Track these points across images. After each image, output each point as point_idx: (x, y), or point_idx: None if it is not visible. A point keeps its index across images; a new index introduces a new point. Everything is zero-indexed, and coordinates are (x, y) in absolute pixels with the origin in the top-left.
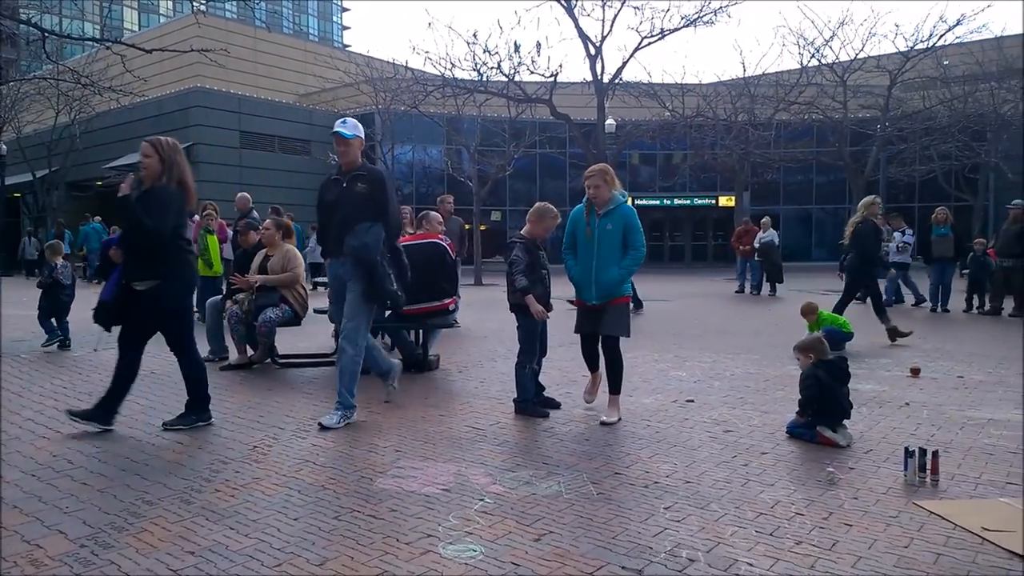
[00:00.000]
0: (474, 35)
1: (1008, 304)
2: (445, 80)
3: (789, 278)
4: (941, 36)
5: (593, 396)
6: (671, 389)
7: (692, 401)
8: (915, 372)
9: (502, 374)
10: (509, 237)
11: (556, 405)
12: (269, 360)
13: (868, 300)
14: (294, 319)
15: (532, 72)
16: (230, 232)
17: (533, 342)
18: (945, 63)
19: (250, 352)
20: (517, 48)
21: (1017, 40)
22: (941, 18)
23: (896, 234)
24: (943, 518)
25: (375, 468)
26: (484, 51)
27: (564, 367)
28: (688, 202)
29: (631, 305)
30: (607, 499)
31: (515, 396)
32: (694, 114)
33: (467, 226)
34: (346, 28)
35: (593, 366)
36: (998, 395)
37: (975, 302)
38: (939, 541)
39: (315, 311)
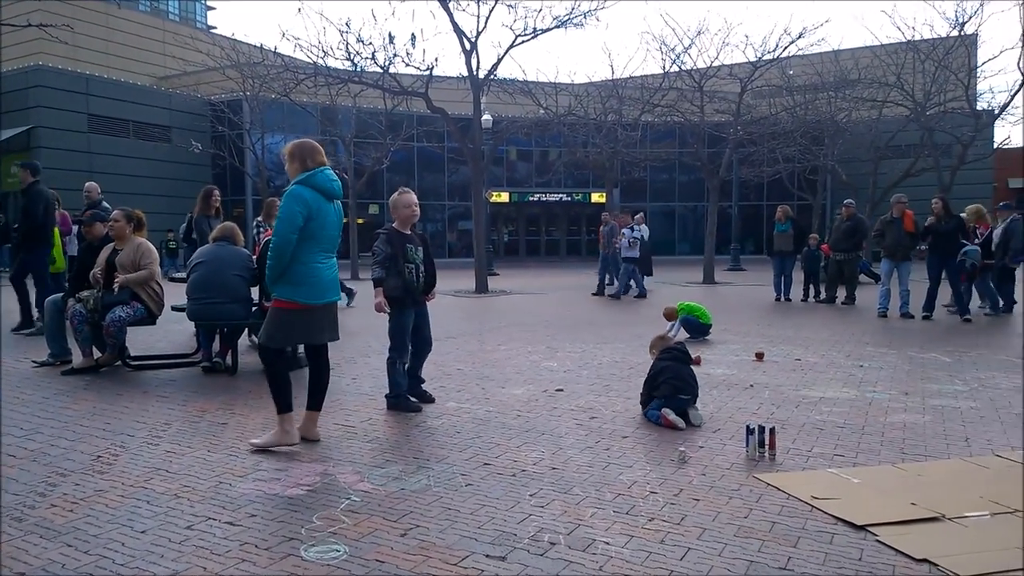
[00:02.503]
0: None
1: (841, 293)
2: (317, 68)
3: (656, 271)
4: (785, 48)
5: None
6: (542, 379)
7: (561, 390)
8: (759, 356)
9: (375, 370)
10: (379, 228)
11: (430, 399)
12: (119, 362)
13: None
14: (148, 318)
15: (407, 64)
16: (74, 224)
17: (403, 337)
18: (789, 73)
19: (97, 354)
20: (392, 39)
21: (848, 54)
22: (785, 31)
23: (625, 230)
24: (779, 489)
25: (234, 472)
26: (358, 40)
27: (439, 361)
28: (563, 198)
29: (346, 299)
30: (475, 490)
31: (387, 392)
32: (567, 112)
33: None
34: (211, 8)
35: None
36: (829, 375)
37: (811, 292)
38: (774, 511)
39: (173, 308)
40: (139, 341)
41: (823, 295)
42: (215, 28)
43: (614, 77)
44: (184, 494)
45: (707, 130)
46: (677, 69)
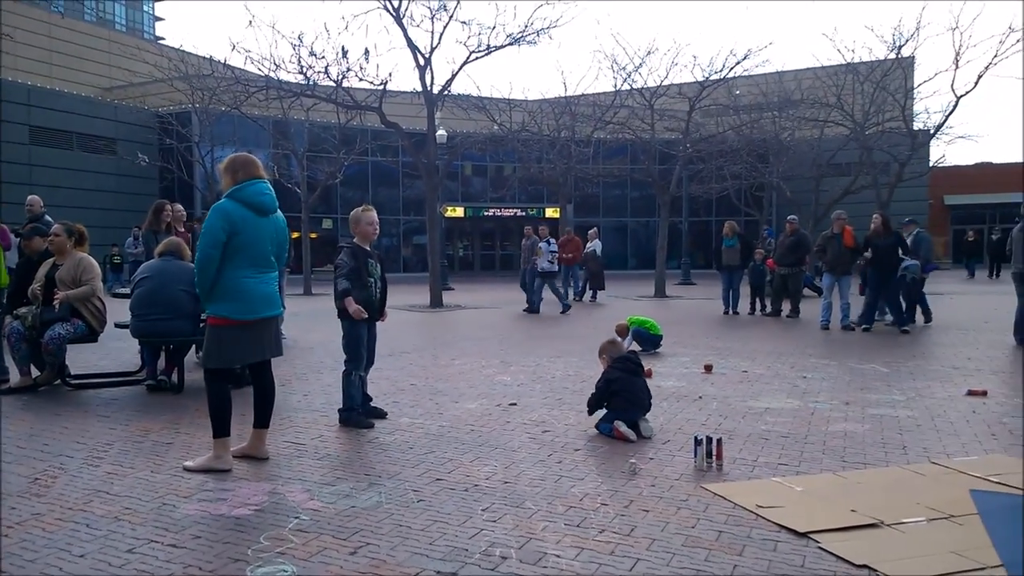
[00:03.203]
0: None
1: (786, 306)
2: (268, 81)
3: (609, 285)
4: (731, 68)
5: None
6: (496, 393)
7: (515, 404)
8: (708, 368)
9: (327, 387)
10: (340, 242)
11: (382, 415)
12: (59, 381)
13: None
14: (89, 335)
15: (361, 79)
16: (14, 238)
17: (358, 349)
18: (736, 92)
19: (35, 373)
20: (345, 53)
21: (792, 75)
22: (731, 52)
23: (542, 244)
24: (725, 499)
25: (178, 493)
26: (310, 54)
27: (392, 376)
28: (517, 213)
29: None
30: (427, 506)
31: (340, 407)
32: (521, 128)
33: (295, 234)
34: (159, 19)
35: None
36: (775, 386)
37: (758, 305)
38: (721, 520)
39: (116, 325)
40: (80, 359)
41: (769, 308)
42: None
43: (567, 94)
44: (125, 516)
45: (657, 147)
46: (628, 87)
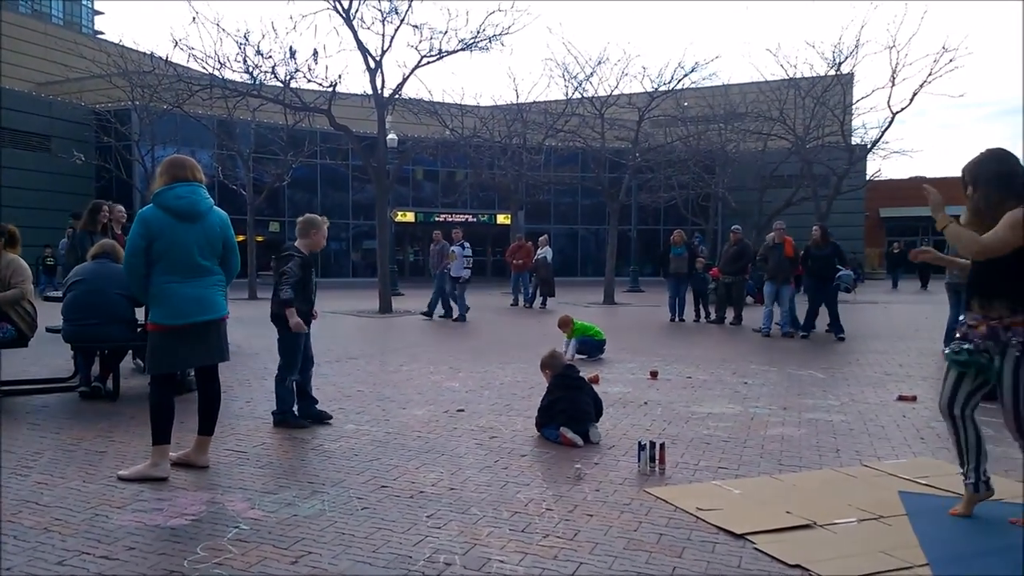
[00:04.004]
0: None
1: (729, 314)
2: (213, 80)
3: (559, 292)
4: (679, 81)
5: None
6: (443, 400)
7: (463, 410)
8: (654, 375)
9: (271, 393)
10: (284, 248)
11: (327, 418)
12: None
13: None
14: (19, 340)
15: (309, 80)
16: None
17: (295, 355)
18: (684, 104)
19: None
20: (293, 54)
21: (737, 88)
22: (680, 64)
23: (455, 248)
24: (667, 502)
25: (112, 503)
26: (257, 53)
27: (339, 382)
28: (469, 219)
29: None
30: (371, 513)
31: (276, 409)
32: (472, 134)
33: (240, 237)
34: (98, 13)
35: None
36: (717, 392)
37: (702, 313)
38: (662, 523)
39: (47, 330)
40: (9, 365)
41: (713, 316)
42: (102, 33)
43: (519, 101)
44: (55, 527)
45: (608, 156)
46: (579, 96)
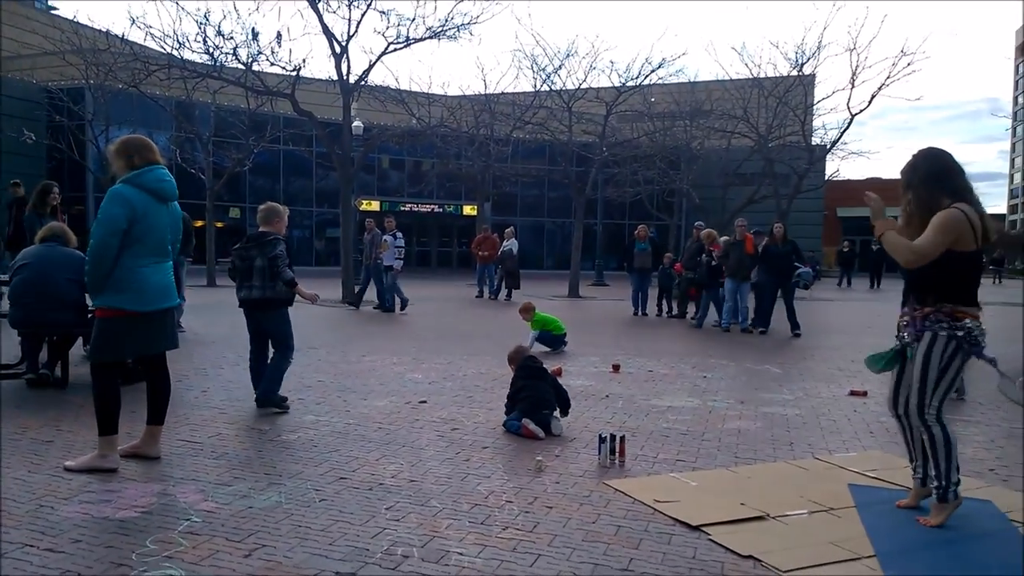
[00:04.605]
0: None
1: (691, 309)
2: (171, 60)
3: (524, 284)
4: (647, 76)
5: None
6: (406, 391)
7: (425, 402)
8: (616, 368)
9: (228, 382)
10: (263, 235)
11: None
12: None
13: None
14: None
15: (272, 63)
16: None
17: (292, 336)
18: (651, 100)
19: None
20: (255, 36)
21: (703, 86)
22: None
23: (387, 237)
24: (626, 494)
25: (58, 495)
26: (217, 34)
27: (299, 372)
28: (435, 209)
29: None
30: (329, 505)
31: (267, 388)
32: (439, 124)
33: (199, 223)
34: None
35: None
36: (677, 386)
37: (665, 307)
38: (620, 515)
39: None
40: None
41: (675, 311)
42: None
43: (487, 92)
44: None
45: (575, 150)
46: (547, 88)
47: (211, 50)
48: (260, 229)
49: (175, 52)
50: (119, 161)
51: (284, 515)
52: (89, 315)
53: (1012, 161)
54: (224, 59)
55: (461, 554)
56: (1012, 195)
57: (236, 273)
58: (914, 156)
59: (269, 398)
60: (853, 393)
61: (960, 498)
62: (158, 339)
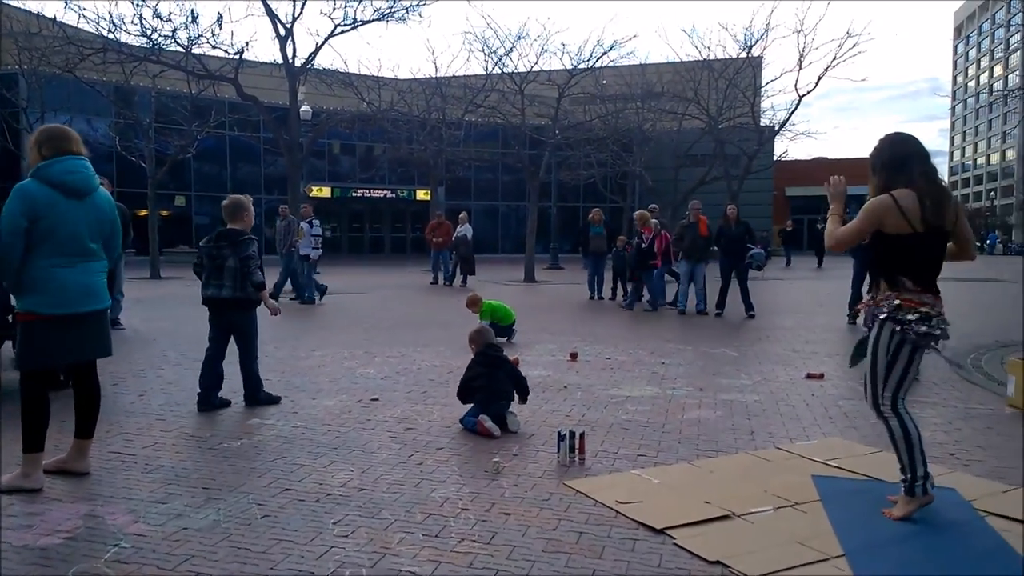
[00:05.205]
0: None
1: (646, 291)
2: (107, 43)
3: (480, 269)
4: (598, 59)
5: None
6: (357, 388)
7: (377, 399)
8: (573, 357)
9: (168, 384)
10: (234, 233)
11: (226, 404)
12: None
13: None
14: None
15: (214, 46)
16: None
17: (257, 337)
18: (603, 83)
19: None
20: (195, 17)
21: (654, 68)
22: (599, 43)
23: (303, 225)
24: (586, 495)
25: None
26: (155, 15)
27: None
28: (388, 194)
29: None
30: (272, 522)
31: (254, 392)
32: (390, 108)
33: (142, 212)
34: None
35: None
36: (635, 374)
37: (620, 291)
38: (582, 520)
39: None
40: None
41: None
42: None
43: (438, 75)
44: None
45: (528, 133)
46: (499, 71)
47: (148, 32)
48: (228, 226)
49: (111, 35)
50: (32, 152)
51: (222, 536)
52: (10, 318)
53: (951, 139)
54: (163, 42)
55: (414, 573)
56: (952, 172)
57: (203, 270)
58: (881, 140)
59: (258, 398)
60: (810, 376)
61: (930, 495)
62: (83, 346)
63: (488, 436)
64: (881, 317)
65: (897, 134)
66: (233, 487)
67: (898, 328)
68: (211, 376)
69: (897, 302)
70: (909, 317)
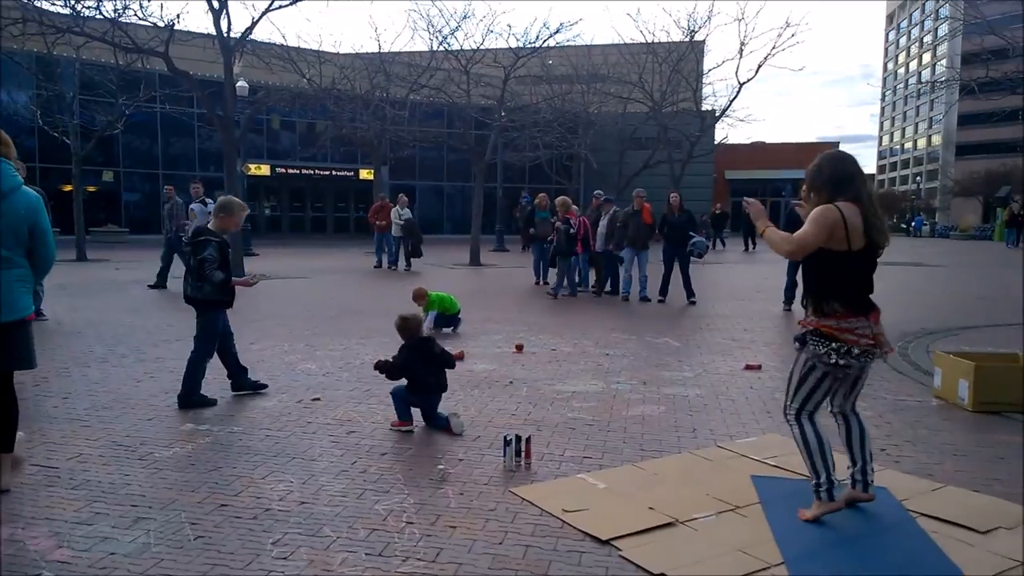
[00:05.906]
0: None
1: (592, 278)
2: (25, 12)
3: (426, 251)
4: (544, 41)
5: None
6: (298, 386)
7: (319, 399)
8: (519, 348)
9: (95, 384)
10: (198, 232)
11: (263, 387)
12: None
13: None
14: None
15: (142, 18)
16: None
17: (213, 338)
18: (549, 63)
19: None
20: None
21: (599, 50)
22: (545, 24)
23: (194, 206)
24: (532, 504)
25: None
26: None
27: (177, 368)
28: (331, 173)
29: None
30: (206, 544)
31: (180, 392)
32: (332, 85)
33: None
34: None
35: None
36: (581, 366)
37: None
38: (528, 531)
39: None
40: None
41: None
42: None
43: (381, 52)
44: None
45: (473, 115)
46: (444, 50)
47: (71, 2)
48: (209, 225)
49: (29, 2)
50: None
51: (153, 561)
52: None
53: (881, 124)
54: (87, 12)
55: None
56: (880, 156)
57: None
58: (820, 158)
59: (180, 401)
60: (748, 367)
61: (838, 502)
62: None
63: (404, 427)
64: (797, 345)
65: (837, 152)
66: (164, 503)
67: (810, 354)
68: (230, 365)
69: (816, 329)
70: (821, 350)
